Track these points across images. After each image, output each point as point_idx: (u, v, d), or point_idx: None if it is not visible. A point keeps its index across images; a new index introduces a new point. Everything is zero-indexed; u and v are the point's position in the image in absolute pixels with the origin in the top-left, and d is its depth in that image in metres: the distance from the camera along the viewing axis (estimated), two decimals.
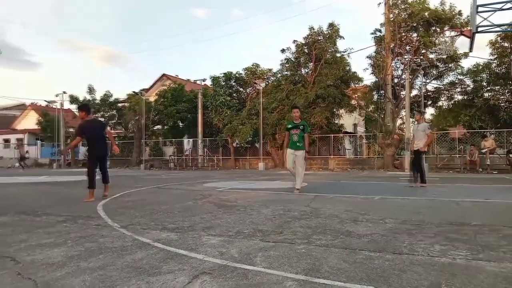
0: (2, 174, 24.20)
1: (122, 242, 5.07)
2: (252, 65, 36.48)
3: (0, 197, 11.12)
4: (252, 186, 14.19)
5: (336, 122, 33.90)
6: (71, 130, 46.62)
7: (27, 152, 51.87)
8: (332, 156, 31.73)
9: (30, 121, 56.45)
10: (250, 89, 37.31)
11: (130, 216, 7.22)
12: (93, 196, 9.80)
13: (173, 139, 41.34)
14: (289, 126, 11.48)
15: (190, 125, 40.64)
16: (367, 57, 31.36)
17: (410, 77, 28.22)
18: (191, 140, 39.41)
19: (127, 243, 5.03)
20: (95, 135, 9.95)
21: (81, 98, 44.37)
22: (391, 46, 29.23)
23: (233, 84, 37.58)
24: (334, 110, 32.89)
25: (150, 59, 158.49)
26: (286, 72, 34.00)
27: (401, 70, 30.49)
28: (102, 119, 42.41)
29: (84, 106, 10.47)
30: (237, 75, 36.90)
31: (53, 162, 45.09)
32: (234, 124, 33.41)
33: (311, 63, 32.73)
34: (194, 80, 43.32)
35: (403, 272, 3.75)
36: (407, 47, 29.49)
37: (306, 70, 33.84)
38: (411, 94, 29.65)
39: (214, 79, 37.05)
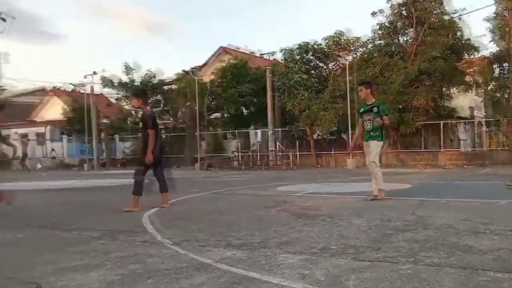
0: (22, 178, 24.81)
1: (176, 263, 5.14)
2: (335, 34, 35.95)
3: (20, 207, 11.29)
4: (339, 190, 14.15)
5: (446, 105, 33.19)
6: (105, 121, 47.15)
7: (52, 150, 52.44)
8: (442, 150, 31.22)
9: (52, 110, 55.63)
10: (333, 64, 37.05)
11: (184, 229, 7.36)
12: (138, 205, 9.82)
13: (236, 131, 41.49)
14: (361, 110, 11.15)
15: (257, 112, 40.70)
16: (485, 19, 30.52)
17: None
18: (259, 131, 39.51)
19: (182, 264, 5.10)
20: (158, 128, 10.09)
21: (115, 80, 44.39)
22: None
23: (311, 58, 37.33)
24: (444, 89, 32.23)
25: (205, 28, 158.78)
26: (379, 41, 33.61)
27: None
28: None
29: (144, 93, 10.78)
30: (315, 46, 36.60)
31: (83, 162, 44.88)
32: (313, 109, 33.24)
33: (412, 29, 32.21)
34: (261, 54, 43.22)
35: None
36: None
37: (405, 38, 33.35)
38: None
39: (287, 52, 36.85)
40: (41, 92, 62.98)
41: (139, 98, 10.51)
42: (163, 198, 10.35)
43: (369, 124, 10.65)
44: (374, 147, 10.61)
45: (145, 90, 13.54)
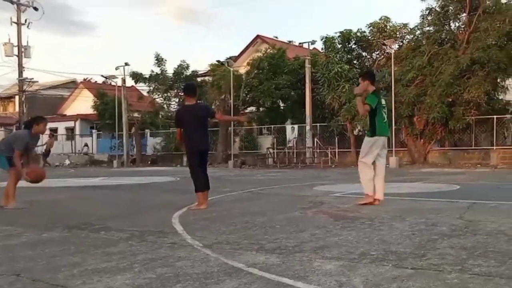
0: (49, 176, 25.13)
1: (206, 267, 5.19)
2: (380, 19, 36.00)
3: (46, 205, 11.77)
4: None
5: (500, 98, 32.77)
6: (136, 115, 47.58)
7: (85, 146, 53.07)
8: (495, 147, 30.88)
9: (82, 103, 56.77)
10: (377, 53, 36.96)
11: (215, 231, 7.43)
12: (206, 202, 10.19)
13: (272, 126, 41.55)
14: None
15: (295, 106, 40.68)
16: None
17: None
18: (296, 126, 39.44)
19: (213, 268, 5.15)
20: (192, 123, 10.24)
21: (145, 73, 45.17)
22: None
23: (354, 47, 37.33)
24: (498, 80, 31.83)
25: (241, 16, 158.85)
26: (428, 28, 33.42)
27: None
28: (177, 99, 43.41)
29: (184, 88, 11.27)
30: (359, 34, 36.56)
31: (113, 159, 45.64)
32: (354, 103, 33.02)
33: (464, 14, 31.96)
34: (300, 43, 43.09)
35: None
36: None
37: (457, 24, 33.12)
38: None
39: (327, 41, 36.85)
40: (72, 84, 63.98)
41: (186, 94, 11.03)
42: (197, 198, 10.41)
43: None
44: (364, 144, 10.48)
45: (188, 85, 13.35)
